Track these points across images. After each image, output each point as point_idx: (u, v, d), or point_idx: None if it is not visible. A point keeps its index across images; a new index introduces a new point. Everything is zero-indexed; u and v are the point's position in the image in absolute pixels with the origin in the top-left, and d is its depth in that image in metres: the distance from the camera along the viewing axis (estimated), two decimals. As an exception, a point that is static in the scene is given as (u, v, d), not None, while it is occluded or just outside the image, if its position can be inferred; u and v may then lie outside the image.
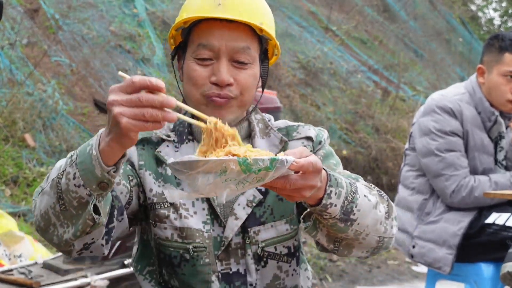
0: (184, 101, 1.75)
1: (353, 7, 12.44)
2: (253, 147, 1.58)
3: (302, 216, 1.60)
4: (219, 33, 1.67)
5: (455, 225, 3.17)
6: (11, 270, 3.54)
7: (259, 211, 1.73)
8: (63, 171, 1.43)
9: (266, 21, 1.71)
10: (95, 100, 7.06)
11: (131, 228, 1.75)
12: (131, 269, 3.36)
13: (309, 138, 1.79)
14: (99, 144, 1.37)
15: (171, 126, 1.81)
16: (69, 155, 1.46)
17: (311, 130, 1.81)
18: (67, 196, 1.43)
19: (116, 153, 1.38)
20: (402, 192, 3.38)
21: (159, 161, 1.74)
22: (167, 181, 1.71)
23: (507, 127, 3.28)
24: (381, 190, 1.68)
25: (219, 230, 1.72)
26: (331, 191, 1.48)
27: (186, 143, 1.76)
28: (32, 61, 6.84)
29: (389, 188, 8.23)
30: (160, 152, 1.73)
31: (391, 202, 1.67)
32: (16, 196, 5.56)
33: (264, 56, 1.78)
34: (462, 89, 3.27)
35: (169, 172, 1.72)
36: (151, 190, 1.72)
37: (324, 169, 1.48)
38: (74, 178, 1.40)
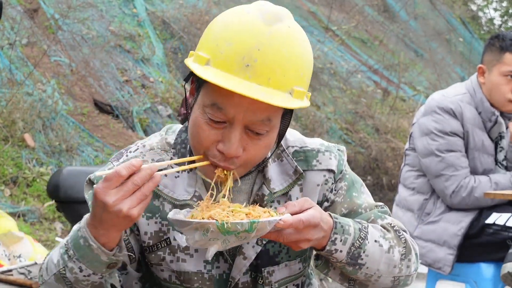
0: (187, 101, 1.58)
1: (353, 7, 12.43)
2: (265, 177, 1.60)
3: (314, 254, 1.61)
4: (238, 100, 1.42)
5: (456, 225, 3.16)
6: (10, 270, 3.53)
7: (273, 249, 1.62)
8: (64, 267, 1.45)
9: (299, 82, 1.46)
10: (95, 100, 7.05)
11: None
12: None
13: (330, 171, 1.65)
14: (94, 236, 1.39)
15: (171, 141, 1.63)
16: (62, 250, 1.46)
17: (332, 160, 1.65)
18: (78, 285, 1.46)
19: (117, 237, 1.41)
20: (402, 192, 3.37)
21: (157, 195, 1.59)
22: (164, 218, 1.59)
23: (507, 127, 3.27)
24: (400, 230, 1.63)
25: (224, 267, 1.61)
26: (336, 238, 1.49)
27: (188, 172, 1.59)
28: (32, 61, 6.83)
29: (389, 188, 8.21)
30: (158, 186, 1.58)
31: (410, 242, 1.64)
32: (16, 196, 5.55)
33: (289, 109, 1.54)
34: (463, 89, 3.26)
35: (166, 208, 1.59)
36: (145, 233, 1.60)
37: (331, 216, 1.50)
38: (81, 271, 1.43)
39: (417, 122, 3.27)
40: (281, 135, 1.58)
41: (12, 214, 5.08)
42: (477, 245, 3.16)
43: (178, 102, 7.33)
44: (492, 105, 3.20)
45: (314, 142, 1.68)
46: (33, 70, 6.65)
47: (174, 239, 1.60)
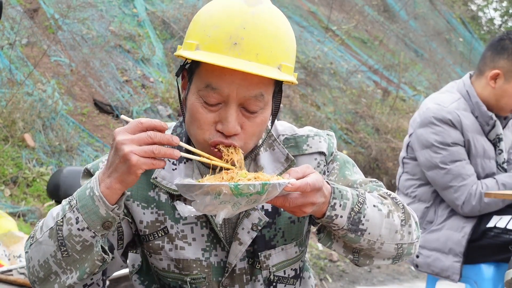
0: (180, 96, 1.65)
1: (353, 6, 12.43)
2: (257, 165, 1.65)
3: (317, 228, 1.62)
4: (230, 78, 1.48)
5: (459, 231, 3.12)
6: (10, 270, 3.52)
7: (268, 233, 1.66)
8: (62, 218, 1.46)
9: (286, 58, 1.53)
10: (95, 100, 7.05)
11: (126, 262, 1.73)
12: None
13: (321, 153, 1.70)
14: (99, 186, 1.42)
15: None
16: (65, 202, 1.48)
17: (322, 143, 1.71)
18: (69, 241, 1.45)
19: (118, 192, 1.43)
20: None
21: (152, 186, 1.63)
22: (160, 208, 1.62)
23: (503, 128, 3.22)
24: (397, 197, 1.67)
25: (222, 255, 1.64)
26: (335, 203, 1.51)
27: (184, 163, 1.63)
28: (32, 61, 6.83)
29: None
30: (156, 178, 1.62)
31: (408, 209, 1.67)
32: (16, 196, 5.55)
33: (279, 88, 1.62)
34: (456, 95, 3.15)
35: (162, 198, 1.62)
36: (141, 222, 1.63)
37: (328, 183, 1.51)
38: (77, 222, 1.44)
39: (415, 133, 3.16)
40: (274, 115, 1.64)
41: (12, 214, 5.08)
42: (479, 248, 3.13)
43: (178, 102, 7.33)
44: (488, 108, 3.13)
45: (303, 129, 1.75)
46: (33, 70, 6.65)
47: (171, 228, 1.63)
